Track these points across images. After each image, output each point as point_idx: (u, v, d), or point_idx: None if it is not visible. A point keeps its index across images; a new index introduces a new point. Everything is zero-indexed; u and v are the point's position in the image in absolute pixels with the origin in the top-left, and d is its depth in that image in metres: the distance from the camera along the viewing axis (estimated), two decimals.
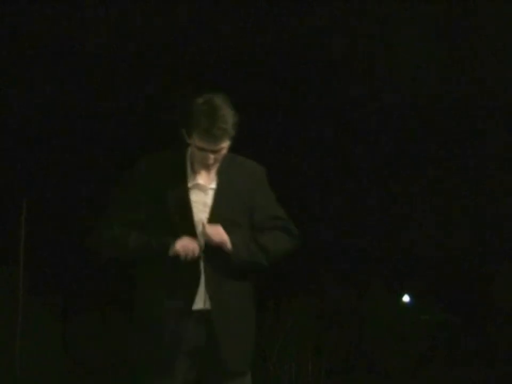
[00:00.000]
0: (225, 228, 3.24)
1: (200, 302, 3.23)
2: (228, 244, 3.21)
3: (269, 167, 3.51)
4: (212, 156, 3.22)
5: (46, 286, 11.06)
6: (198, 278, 3.22)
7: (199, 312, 3.22)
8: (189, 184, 3.28)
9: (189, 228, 3.22)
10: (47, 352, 10.11)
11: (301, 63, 13.83)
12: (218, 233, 3.21)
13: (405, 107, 13.75)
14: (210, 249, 3.22)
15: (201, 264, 3.23)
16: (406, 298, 14.21)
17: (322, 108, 13.80)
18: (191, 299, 3.20)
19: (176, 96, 13.03)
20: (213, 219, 3.24)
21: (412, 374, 11.06)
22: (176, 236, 3.20)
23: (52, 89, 13.05)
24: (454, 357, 11.58)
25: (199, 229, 3.23)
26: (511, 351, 11.43)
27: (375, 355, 11.43)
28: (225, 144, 3.24)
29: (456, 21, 13.08)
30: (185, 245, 3.18)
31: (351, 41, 13.23)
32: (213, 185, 3.30)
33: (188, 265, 3.19)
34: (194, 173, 3.30)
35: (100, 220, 3.37)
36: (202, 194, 3.28)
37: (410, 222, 14.06)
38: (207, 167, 3.27)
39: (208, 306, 3.23)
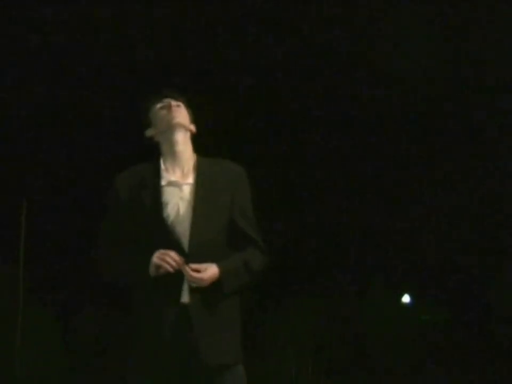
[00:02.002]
0: (207, 230, 3.22)
1: (185, 296, 3.22)
2: (209, 281, 3.18)
3: (259, 166, 3.51)
4: (172, 111, 3.32)
5: (46, 286, 11.06)
6: (182, 275, 3.20)
7: (182, 305, 3.23)
8: (162, 183, 3.29)
9: (161, 227, 3.20)
10: (47, 352, 10.12)
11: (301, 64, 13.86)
12: (201, 278, 3.15)
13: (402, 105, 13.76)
14: (194, 251, 3.22)
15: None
16: (406, 298, 14.22)
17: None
18: (178, 294, 3.19)
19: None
20: (193, 214, 3.22)
21: (412, 374, 11.07)
22: (155, 238, 3.19)
23: (52, 89, 13.06)
24: (454, 357, 11.59)
25: (179, 228, 3.22)
26: (511, 351, 11.44)
27: (375, 355, 11.44)
28: (182, 103, 3.35)
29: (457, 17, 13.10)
30: (162, 259, 3.15)
31: (350, 37, 13.24)
32: (189, 180, 3.31)
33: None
34: (168, 172, 3.31)
35: (96, 240, 3.39)
36: (177, 190, 3.28)
37: (410, 222, 14.07)
38: (173, 127, 3.32)
39: (187, 300, 3.21)
